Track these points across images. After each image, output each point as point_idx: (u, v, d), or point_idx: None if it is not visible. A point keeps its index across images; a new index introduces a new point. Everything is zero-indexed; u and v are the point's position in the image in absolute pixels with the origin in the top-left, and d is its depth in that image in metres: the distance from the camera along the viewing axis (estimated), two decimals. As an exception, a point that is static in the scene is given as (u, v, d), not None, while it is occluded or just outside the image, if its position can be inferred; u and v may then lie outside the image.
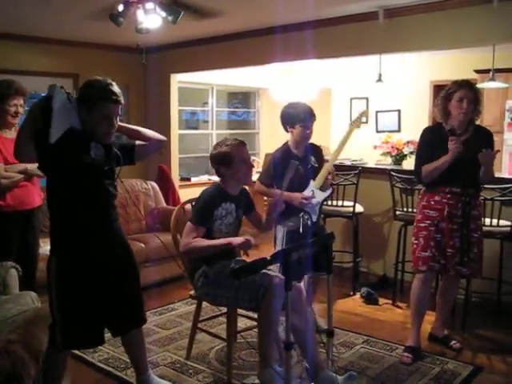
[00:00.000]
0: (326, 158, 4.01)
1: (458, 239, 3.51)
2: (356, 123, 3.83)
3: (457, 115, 3.48)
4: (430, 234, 3.56)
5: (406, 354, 3.61)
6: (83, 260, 2.68)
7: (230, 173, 3.27)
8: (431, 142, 3.59)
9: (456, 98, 3.47)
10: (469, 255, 3.52)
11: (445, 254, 3.53)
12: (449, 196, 3.51)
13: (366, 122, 3.96)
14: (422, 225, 3.60)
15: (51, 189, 2.70)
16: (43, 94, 2.65)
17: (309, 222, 3.66)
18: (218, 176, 3.36)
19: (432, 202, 3.57)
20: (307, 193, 3.72)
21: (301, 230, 3.63)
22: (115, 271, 2.78)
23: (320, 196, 3.75)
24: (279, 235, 3.78)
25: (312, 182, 3.74)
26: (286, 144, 3.87)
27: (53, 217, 2.73)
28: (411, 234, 3.79)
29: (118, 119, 2.72)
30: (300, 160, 3.75)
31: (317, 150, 3.97)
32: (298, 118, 3.73)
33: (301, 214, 3.68)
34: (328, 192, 3.84)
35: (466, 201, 3.50)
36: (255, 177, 4.15)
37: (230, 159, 3.23)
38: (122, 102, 2.70)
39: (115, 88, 2.67)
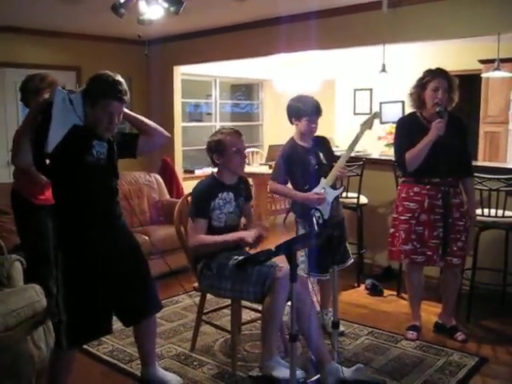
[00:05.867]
0: (337, 150, 3.99)
1: (441, 229, 3.52)
2: (367, 124, 3.77)
3: (432, 105, 3.47)
4: (410, 226, 3.58)
5: (410, 331, 3.72)
6: (89, 257, 2.66)
7: (223, 161, 3.27)
8: (409, 130, 3.60)
9: (431, 88, 3.48)
10: (457, 244, 3.54)
11: (428, 245, 3.54)
12: (428, 187, 3.53)
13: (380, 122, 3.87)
14: (403, 218, 3.62)
15: (54, 188, 2.69)
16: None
17: (320, 220, 3.64)
18: (214, 165, 3.36)
19: (411, 194, 3.58)
20: (318, 190, 3.66)
21: (316, 228, 3.59)
22: (122, 265, 2.77)
23: (331, 194, 3.69)
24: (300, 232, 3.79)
25: (323, 180, 3.68)
26: (291, 139, 3.82)
27: (57, 215, 2.71)
28: (390, 224, 3.80)
29: (120, 117, 2.69)
30: (309, 151, 3.76)
31: (325, 144, 3.93)
32: (304, 111, 3.68)
33: (312, 211, 3.64)
34: (339, 190, 3.81)
35: (446, 190, 3.50)
36: (257, 169, 4.16)
37: (222, 147, 3.24)
38: (127, 100, 2.66)
39: (122, 86, 2.63)
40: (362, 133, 3.74)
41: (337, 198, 3.77)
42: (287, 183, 3.79)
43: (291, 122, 3.81)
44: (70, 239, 2.67)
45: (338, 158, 3.77)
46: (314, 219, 3.61)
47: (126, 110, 2.76)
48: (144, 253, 3.02)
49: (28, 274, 3.47)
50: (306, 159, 3.72)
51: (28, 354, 2.70)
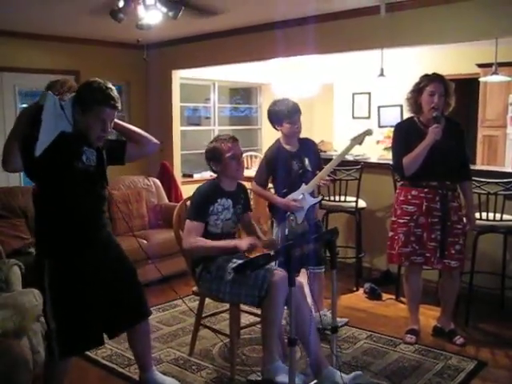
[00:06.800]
0: (335, 155, 3.97)
1: (439, 232, 3.54)
2: (358, 140, 3.74)
3: (428, 109, 3.49)
4: (409, 229, 3.60)
5: (408, 335, 3.74)
6: (77, 265, 2.64)
7: (221, 168, 3.29)
8: (406, 135, 3.62)
9: (427, 92, 3.51)
10: (455, 247, 3.55)
11: (426, 247, 3.57)
12: (426, 190, 3.56)
13: (370, 134, 3.79)
14: (401, 221, 3.65)
15: (40, 193, 2.68)
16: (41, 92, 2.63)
17: (293, 224, 3.69)
18: (213, 172, 3.38)
19: (409, 197, 3.61)
20: (297, 195, 3.69)
21: (286, 231, 3.67)
22: (109, 273, 2.75)
23: (309, 201, 3.72)
24: (275, 234, 3.82)
25: (304, 186, 3.71)
26: (277, 141, 3.86)
27: (41, 221, 2.68)
28: (389, 227, 3.81)
29: (112, 124, 2.69)
30: (293, 155, 3.78)
31: (312, 148, 3.94)
32: (283, 114, 3.71)
33: (287, 214, 3.69)
34: (317, 199, 3.84)
35: (444, 193, 3.53)
36: (253, 172, 4.18)
37: (219, 155, 3.26)
38: (119, 107, 2.67)
39: (114, 93, 2.63)
40: (350, 147, 3.74)
41: (314, 205, 3.80)
42: (267, 186, 3.86)
43: (275, 128, 3.83)
44: (57, 247, 2.64)
45: (328, 160, 3.77)
46: (287, 222, 3.67)
47: (116, 120, 2.75)
48: (138, 258, 2.99)
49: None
50: (288, 163, 3.74)
51: (24, 360, 2.68)
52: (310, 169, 3.79)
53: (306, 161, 3.79)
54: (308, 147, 3.89)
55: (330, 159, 3.83)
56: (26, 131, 2.51)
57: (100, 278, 2.70)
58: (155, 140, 3.00)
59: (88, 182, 2.66)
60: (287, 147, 3.80)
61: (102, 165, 2.73)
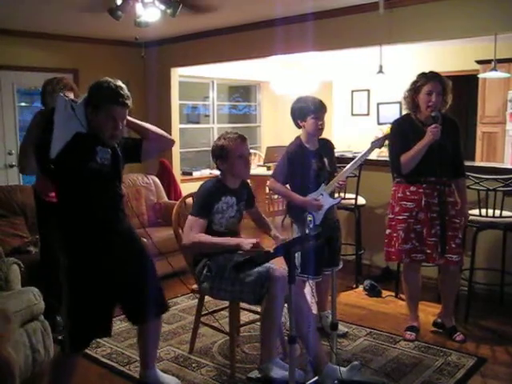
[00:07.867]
0: (344, 152, 3.95)
1: (438, 227, 3.55)
2: (377, 143, 3.78)
3: (425, 108, 3.49)
4: (409, 225, 3.60)
5: (408, 332, 3.75)
6: (92, 262, 2.64)
7: (227, 167, 3.26)
8: (404, 133, 3.61)
9: (424, 91, 3.50)
10: (455, 241, 3.56)
11: (426, 243, 3.57)
12: (424, 186, 3.57)
13: (384, 141, 3.83)
14: (401, 217, 3.64)
15: (57, 193, 2.69)
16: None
17: (311, 224, 3.64)
18: (218, 169, 3.36)
19: (408, 193, 3.61)
20: (317, 195, 3.63)
21: (306, 230, 3.61)
22: (125, 269, 2.75)
23: (328, 202, 3.66)
24: (295, 234, 3.76)
25: (323, 186, 3.65)
26: (298, 138, 3.74)
27: (61, 219, 2.70)
28: (387, 224, 3.80)
29: (124, 122, 2.69)
30: (313, 154, 3.69)
31: (330, 148, 3.87)
32: (308, 109, 3.61)
33: (305, 214, 3.64)
34: (337, 200, 3.78)
35: (441, 189, 3.54)
36: (255, 170, 4.17)
37: (226, 153, 3.23)
38: (130, 105, 2.67)
39: (124, 91, 2.64)
40: (371, 150, 3.75)
41: (332, 206, 3.75)
42: (287, 183, 3.72)
43: (297, 125, 3.71)
44: (73, 244, 2.65)
45: (344, 160, 3.75)
46: (306, 222, 3.62)
47: (128, 118, 2.75)
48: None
49: (39, 275, 3.51)
50: (308, 162, 3.65)
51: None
52: (328, 169, 3.72)
53: (326, 161, 3.71)
54: (327, 147, 3.81)
55: (335, 161, 3.83)
56: (40, 135, 2.52)
57: (116, 274, 2.70)
58: (170, 136, 3.00)
59: (103, 180, 2.67)
60: (307, 145, 3.70)
61: (117, 163, 2.72)
